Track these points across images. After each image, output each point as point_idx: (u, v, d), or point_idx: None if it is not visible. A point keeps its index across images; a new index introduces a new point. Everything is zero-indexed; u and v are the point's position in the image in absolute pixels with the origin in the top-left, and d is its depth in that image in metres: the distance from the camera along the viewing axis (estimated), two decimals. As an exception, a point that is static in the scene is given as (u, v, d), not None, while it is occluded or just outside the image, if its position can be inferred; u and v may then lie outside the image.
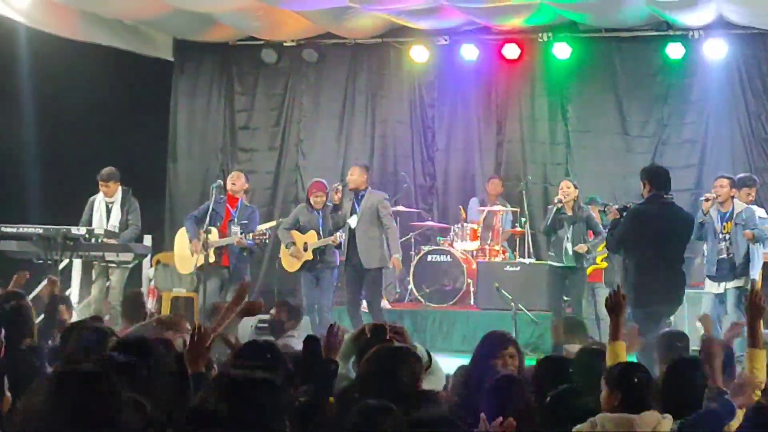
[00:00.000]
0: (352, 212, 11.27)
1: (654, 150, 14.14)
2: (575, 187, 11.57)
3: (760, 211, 11.29)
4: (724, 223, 10.57)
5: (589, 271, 11.85)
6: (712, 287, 10.65)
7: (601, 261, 11.89)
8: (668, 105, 14.22)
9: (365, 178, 11.47)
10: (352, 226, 11.20)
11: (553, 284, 11.63)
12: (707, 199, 10.78)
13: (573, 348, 6.91)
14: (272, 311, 9.72)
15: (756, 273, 11.04)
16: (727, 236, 10.55)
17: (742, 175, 11.62)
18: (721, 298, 10.60)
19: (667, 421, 4.72)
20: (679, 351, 6.76)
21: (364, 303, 11.62)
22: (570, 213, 11.46)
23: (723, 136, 13.98)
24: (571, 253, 11.38)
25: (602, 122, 14.54)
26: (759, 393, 5.55)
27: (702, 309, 10.31)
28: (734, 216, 10.61)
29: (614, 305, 5.73)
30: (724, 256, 10.54)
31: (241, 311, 6.40)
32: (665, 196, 9.28)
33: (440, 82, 15.08)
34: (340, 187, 11.29)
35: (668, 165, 11.02)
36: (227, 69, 15.58)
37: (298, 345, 9.08)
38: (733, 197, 10.71)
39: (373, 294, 11.48)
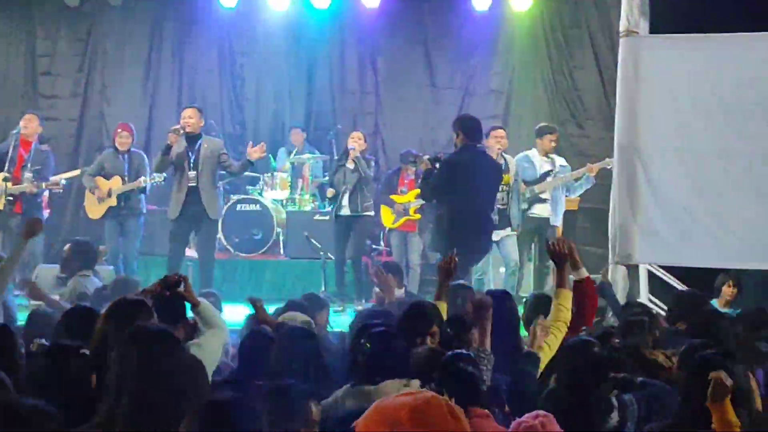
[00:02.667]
0: (184, 158, 10.81)
1: (461, 101, 14.39)
2: (365, 140, 11.69)
3: (560, 160, 11.64)
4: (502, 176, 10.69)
5: (401, 221, 12.04)
6: (495, 235, 10.72)
7: (414, 212, 12.04)
8: (475, 56, 14.45)
9: (203, 123, 11.19)
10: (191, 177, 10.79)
11: (338, 233, 11.72)
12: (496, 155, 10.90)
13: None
14: (65, 248, 9.54)
15: (558, 220, 11.42)
16: (505, 187, 10.71)
17: (543, 124, 11.93)
18: (497, 245, 10.79)
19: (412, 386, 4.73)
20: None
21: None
22: (351, 165, 11.53)
23: (527, 87, 14.33)
24: (347, 203, 11.52)
25: (411, 73, 14.68)
26: (565, 329, 5.85)
27: None
28: (510, 169, 10.82)
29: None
30: (499, 206, 10.64)
31: (25, 233, 6.43)
32: (477, 145, 9.47)
33: (249, 29, 14.89)
34: (181, 130, 10.79)
35: (474, 115, 11.20)
36: (28, 12, 14.94)
37: (91, 285, 9.00)
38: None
39: (212, 246, 11.29)
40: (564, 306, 6.03)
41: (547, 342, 5.82)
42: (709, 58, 9.27)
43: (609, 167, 10.42)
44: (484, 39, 14.37)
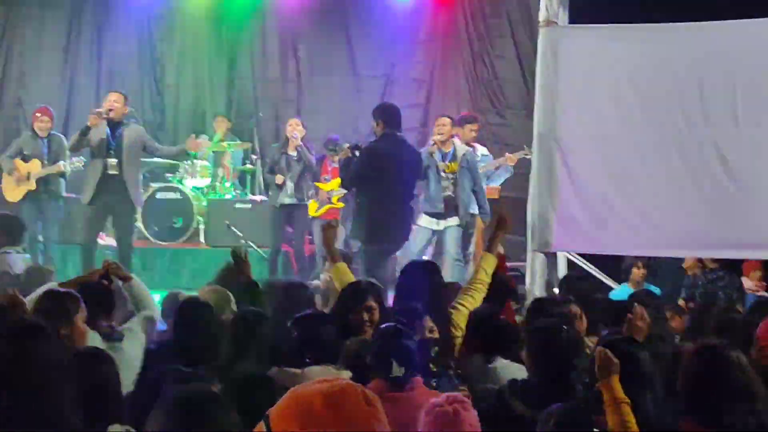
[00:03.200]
0: (104, 144, 10.53)
1: (383, 89, 14.40)
2: (303, 127, 11.66)
3: (481, 149, 11.71)
4: (448, 163, 10.72)
5: (324, 210, 12.02)
6: (431, 224, 10.79)
7: (337, 201, 12.03)
8: (397, 45, 14.47)
9: (127, 109, 11.02)
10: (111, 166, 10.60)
11: (276, 221, 11.69)
12: (435, 143, 10.95)
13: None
14: None
15: (476, 208, 11.46)
16: (451, 176, 10.75)
17: (464, 113, 11.99)
18: (439, 235, 10.83)
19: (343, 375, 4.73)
20: None
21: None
22: (294, 153, 11.49)
23: (449, 76, 14.39)
24: (293, 191, 11.48)
25: (333, 61, 14.66)
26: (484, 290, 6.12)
27: (417, 244, 10.52)
28: (458, 156, 10.85)
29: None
30: (449, 193, 10.73)
31: None
32: (398, 134, 9.47)
33: (169, 16, 14.77)
34: (104, 113, 10.53)
35: (396, 104, 11.20)
36: (-59, -4, 14.65)
37: (15, 263, 8.89)
38: (453, 136, 10.95)
39: (130, 234, 11.17)
40: (486, 270, 6.25)
41: (463, 303, 5.99)
42: (627, 48, 9.38)
43: (528, 156, 10.50)
44: (405, 28, 14.40)
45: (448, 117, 11.10)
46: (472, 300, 6.09)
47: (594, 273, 10.24)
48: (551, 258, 10.30)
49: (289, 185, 11.48)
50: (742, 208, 8.93)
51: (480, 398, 4.53)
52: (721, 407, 4.11)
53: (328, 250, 6.70)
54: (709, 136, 9.01)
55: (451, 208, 10.60)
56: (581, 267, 10.21)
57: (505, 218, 6.71)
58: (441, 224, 10.60)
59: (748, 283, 10.35)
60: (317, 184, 12.11)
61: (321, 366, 4.77)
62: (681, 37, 9.30)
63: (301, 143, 11.41)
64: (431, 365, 4.92)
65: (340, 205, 12.07)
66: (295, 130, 11.49)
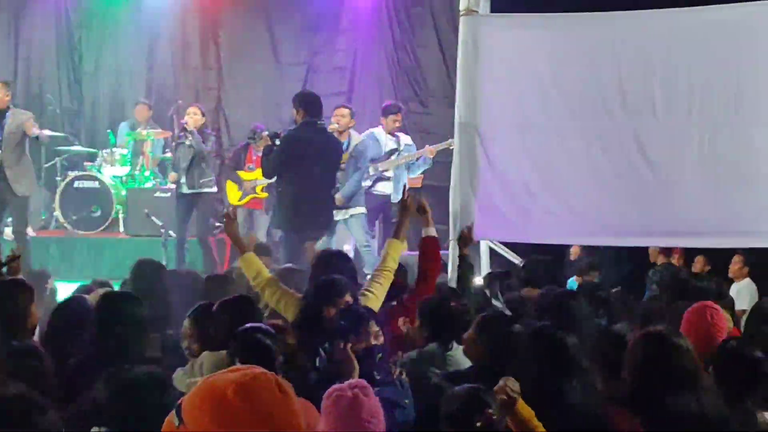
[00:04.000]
0: None
1: (305, 77, 14.34)
2: (203, 115, 11.59)
3: (405, 138, 11.71)
4: (344, 153, 10.72)
5: (247, 199, 11.95)
6: (337, 214, 10.84)
7: (261, 190, 11.94)
8: (319, 33, 14.42)
9: (9, 97, 10.84)
10: None
11: (179, 211, 11.58)
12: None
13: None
14: None
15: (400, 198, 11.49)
16: (343, 166, 10.72)
17: (388, 102, 11.98)
18: (345, 224, 10.83)
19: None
20: None
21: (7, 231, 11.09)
22: (189, 141, 11.40)
23: (371, 64, 14.37)
24: (184, 179, 11.40)
25: (254, 49, 14.57)
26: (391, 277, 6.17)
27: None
28: (350, 148, 10.84)
29: None
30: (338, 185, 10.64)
31: None
32: (318, 122, 9.44)
33: (87, 1, 14.55)
34: None
35: (318, 92, 11.16)
36: None
37: None
38: (350, 128, 10.93)
39: (23, 222, 10.94)
40: (393, 256, 6.30)
41: (371, 289, 6.02)
42: (547, 37, 9.41)
43: (452, 148, 10.53)
44: (328, 16, 14.35)
45: (347, 107, 11.12)
46: (380, 287, 6.10)
47: (516, 262, 10.30)
48: (474, 247, 10.32)
49: (183, 174, 11.38)
50: (662, 197, 9.02)
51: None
52: (666, 393, 4.15)
53: (233, 241, 6.60)
54: (628, 126, 9.07)
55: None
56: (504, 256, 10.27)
57: (407, 204, 6.73)
58: (345, 213, 10.61)
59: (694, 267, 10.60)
60: (240, 173, 12.02)
61: (213, 352, 4.84)
62: (600, 27, 9.36)
63: (192, 129, 11.30)
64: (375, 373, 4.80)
65: (264, 195, 12.00)
66: (189, 117, 11.38)
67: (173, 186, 12.56)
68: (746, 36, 8.86)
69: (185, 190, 11.39)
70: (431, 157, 11.40)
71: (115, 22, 14.55)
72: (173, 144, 11.61)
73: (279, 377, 2.32)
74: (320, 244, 10.12)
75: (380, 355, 4.90)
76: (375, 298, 6.00)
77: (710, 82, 8.89)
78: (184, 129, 11.33)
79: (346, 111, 11.00)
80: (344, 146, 10.64)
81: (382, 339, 5.07)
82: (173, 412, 2.37)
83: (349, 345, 4.65)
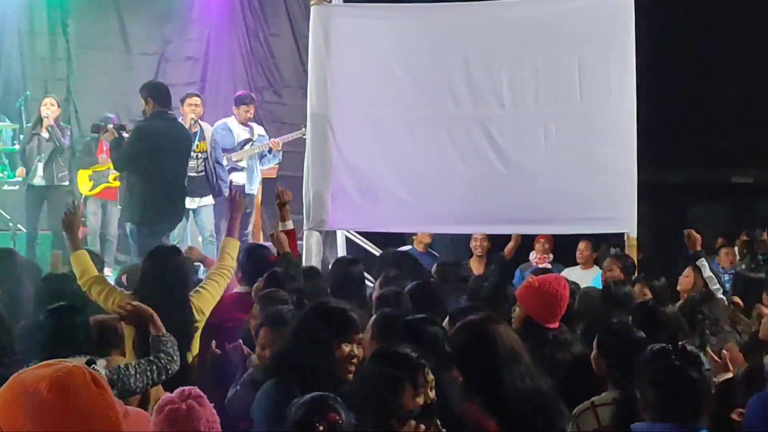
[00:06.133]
0: None
1: (156, 67, 14.12)
2: (58, 106, 11.37)
3: (258, 129, 11.67)
4: (198, 142, 10.63)
5: (100, 189, 11.74)
6: (192, 203, 10.68)
7: (114, 179, 11.73)
8: (170, 22, 14.22)
9: None
10: None
11: (30, 204, 11.35)
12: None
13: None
14: None
15: (254, 189, 11.46)
16: (201, 155, 10.64)
17: (240, 93, 11.91)
18: (193, 214, 10.78)
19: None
20: None
21: None
22: (45, 134, 11.15)
23: (224, 54, 14.24)
24: (42, 173, 11.18)
25: (104, 38, 14.25)
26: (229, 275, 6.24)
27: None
28: (206, 136, 10.75)
29: None
30: (194, 174, 10.46)
31: None
32: (168, 112, 9.35)
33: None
34: None
35: (170, 82, 11.08)
36: None
37: None
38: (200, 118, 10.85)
39: None
40: (231, 254, 6.37)
41: (205, 287, 6.01)
42: (396, 26, 9.50)
43: (305, 137, 10.53)
44: (179, 5, 14.17)
45: (198, 96, 11.05)
46: (216, 284, 6.15)
47: (372, 251, 10.39)
48: (331, 236, 10.39)
49: (39, 166, 11.15)
50: (511, 185, 9.20)
51: None
52: (493, 374, 4.23)
53: (68, 236, 6.47)
54: (476, 116, 9.23)
55: (203, 187, 10.54)
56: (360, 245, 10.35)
57: (236, 200, 6.78)
58: (195, 203, 10.52)
59: (533, 255, 10.75)
60: (94, 167, 11.79)
61: (75, 357, 4.66)
62: (449, 17, 9.49)
63: (53, 123, 11.07)
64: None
65: (117, 184, 11.79)
66: (48, 110, 11.15)
67: (20, 179, 12.28)
68: (588, 24, 9.09)
69: (37, 182, 11.14)
70: (278, 150, 11.41)
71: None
72: (30, 136, 11.28)
73: (94, 372, 2.28)
74: (174, 235, 10.06)
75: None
76: (209, 295, 6.04)
77: (555, 72, 9.10)
78: (40, 120, 11.07)
79: (198, 100, 10.93)
80: (197, 136, 10.55)
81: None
82: None
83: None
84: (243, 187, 11.19)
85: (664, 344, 3.82)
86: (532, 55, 9.13)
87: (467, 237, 10.52)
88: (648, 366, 3.72)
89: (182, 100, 10.75)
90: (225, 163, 10.98)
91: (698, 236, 7.87)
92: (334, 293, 6.33)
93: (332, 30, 9.49)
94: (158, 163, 9.07)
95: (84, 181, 11.85)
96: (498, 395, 4.15)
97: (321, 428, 3.21)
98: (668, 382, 3.60)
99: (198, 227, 10.89)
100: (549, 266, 9.94)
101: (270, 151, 11.43)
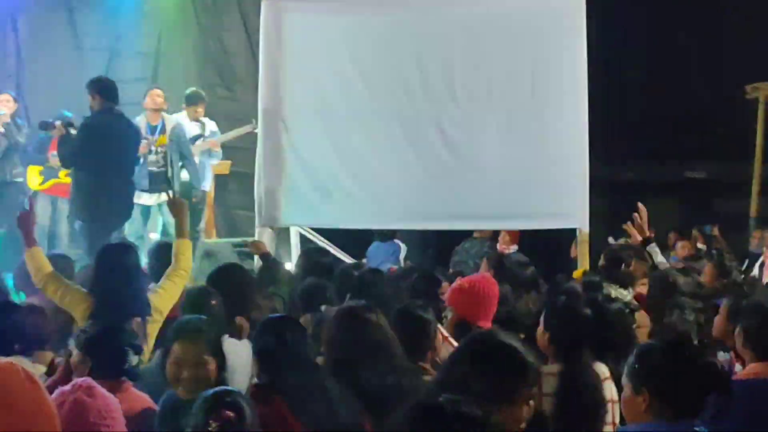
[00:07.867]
0: None
1: (107, 63, 13.98)
2: (15, 101, 11.25)
3: (211, 125, 11.61)
4: (158, 136, 10.59)
5: (50, 184, 11.59)
6: (149, 199, 10.64)
7: (66, 176, 11.60)
8: (121, 17, 14.10)
9: None
10: None
11: None
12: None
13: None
14: None
15: (208, 184, 11.40)
16: (160, 149, 10.59)
17: (191, 91, 11.82)
18: (153, 211, 10.72)
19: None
20: None
21: None
22: (3, 130, 11.04)
23: (176, 50, 14.14)
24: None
25: (54, 34, 14.10)
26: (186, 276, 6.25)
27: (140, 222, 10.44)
28: (167, 130, 10.69)
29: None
30: (155, 169, 10.56)
31: None
32: (116, 108, 9.30)
33: None
34: None
35: (122, 78, 10.98)
36: None
37: None
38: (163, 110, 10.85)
39: None
40: (185, 255, 6.32)
41: (163, 287, 6.10)
42: (348, 22, 9.50)
43: (257, 131, 10.49)
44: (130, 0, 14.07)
45: (159, 89, 10.98)
46: (173, 285, 6.13)
47: (328, 247, 10.36)
48: (284, 233, 10.34)
49: None
50: (465, 181, 9.23)
51: None
52: (360, 367, 4.24)
53: (23, 233, 6.40)
54: (429, 111, 9.25)
55: (163, 182, 10.48)
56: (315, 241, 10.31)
57: (177, 202, 6.73)
58: (158, 198, 10.48)
59: (500, 245, 10.91)
60: (48, 164, 11.66)
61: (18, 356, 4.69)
62: (401, 13, 9.49)
63: (8, 120, 10.95)
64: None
65: (67, 180, 11.66)
66: (4, 106, 11.03)
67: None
68: (541, 22, 9.14)
69: None
70: (216, 150, 11.40)
71: None
72: None
73: (27, 370, 2.26)
74: (128, 232, 9.97)
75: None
76: (167, 294, 6.04)
77: (507, 68, 9.14)
78: None
79: (161, 92, 10.88)
80: (158, 128, 10.49)
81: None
82: None
83: None
84: (188, 183, 11.07)
85: (672, 341, 3.64)
86: (485, 51, 9.16)
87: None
88: (664, 363, 3.44)
89: (145, 94, 10.75)
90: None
91: (643, 218, 7.63)
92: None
93: (284, 25, 9.47)
94: (105, 159, 9.01)
95: (34, 175, 11.72)
96: (358, 384, 4.17)
97: (215, 425, 3.16)
98: (690, 380, 3.38)
99: (162, 223, 10.77)
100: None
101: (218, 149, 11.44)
